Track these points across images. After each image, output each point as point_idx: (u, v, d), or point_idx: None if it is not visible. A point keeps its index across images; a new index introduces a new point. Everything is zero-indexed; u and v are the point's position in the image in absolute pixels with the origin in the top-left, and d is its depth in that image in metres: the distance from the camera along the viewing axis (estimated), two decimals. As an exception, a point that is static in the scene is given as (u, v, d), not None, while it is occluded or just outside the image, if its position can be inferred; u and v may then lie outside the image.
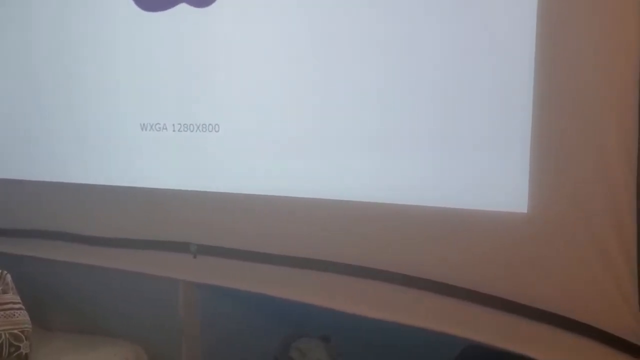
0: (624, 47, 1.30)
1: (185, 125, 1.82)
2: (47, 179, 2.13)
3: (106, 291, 2.09)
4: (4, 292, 1.84)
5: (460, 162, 1.50)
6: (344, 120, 1.62)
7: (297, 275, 1.74)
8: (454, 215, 1.51)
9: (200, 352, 2.03)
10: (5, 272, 1.87)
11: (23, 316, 1.82)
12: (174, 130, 1.84)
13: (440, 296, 1.55)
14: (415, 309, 1.59)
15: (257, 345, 2.31)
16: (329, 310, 1.69)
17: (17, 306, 1.83)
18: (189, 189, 1.86)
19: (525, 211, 1.42)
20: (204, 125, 1.80)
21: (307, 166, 1.70)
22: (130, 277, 1.97)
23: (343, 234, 1.68)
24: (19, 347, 1.77)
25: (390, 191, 1.59)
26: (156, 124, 1.86)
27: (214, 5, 1.74)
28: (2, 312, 1.80)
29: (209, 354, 2.05)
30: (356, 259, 1.66)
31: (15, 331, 1.78)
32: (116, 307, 2.08)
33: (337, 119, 1.63)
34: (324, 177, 1.68)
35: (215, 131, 1.78)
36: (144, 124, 1.88)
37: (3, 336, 1.75)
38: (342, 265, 1.68)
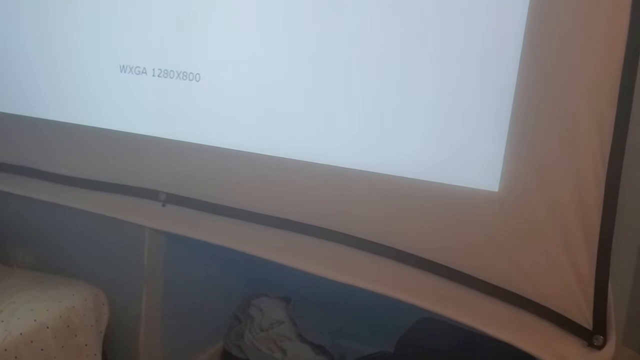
0: (609, 42, 1.31)
1: (165, 72, 1.78)
2: (18, 112, 2.07)
3: (71, 232, 2.06)
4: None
5: (438, 135, 1.51)
6: (326, 81, 1.61)
7: (264, 232, 1.74)
8: (424, 187, 1.53)
9: (160, 301, 2.03)
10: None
11: (-17, 248, 1.79)
12: (153, 75, 1.80)
13: (402, 265, 1.58)
14: (377, 275, 1.62)
15: (217, 300, 2.33)
16: (291, 272, 1.70)
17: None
18: (164, 136, 1.84)
19: (497, 190, 1.45)
20: (184, 74, 1.76)
21: (283, 126, 1.69)
22: (97, 219, 1.95)
23: (312, 196, 1.69)
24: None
25: (365, 158, 1.59)
26: (136, 67, 1.82)
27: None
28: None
29: (169, 304, 2.06)
30: (324, 221, 1.67)
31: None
32: (80, 249, 2.06)
33: (320, 79, 1.61)
34: (299, 138, 1.68)
35: (196, 80, 1.75)
36: (123, 66, 1.83)
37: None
38: (309, 227, 1.69)
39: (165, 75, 1.78)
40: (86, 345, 1.85)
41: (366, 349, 2.18)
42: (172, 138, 1.83)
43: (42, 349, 1.69)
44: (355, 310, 2.16)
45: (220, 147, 1.77)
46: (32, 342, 1.67)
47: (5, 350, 1.59)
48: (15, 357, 1.61)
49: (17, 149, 2.10)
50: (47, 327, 1.72)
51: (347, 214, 1.65)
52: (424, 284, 1.56)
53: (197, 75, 1.74)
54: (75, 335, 1.82)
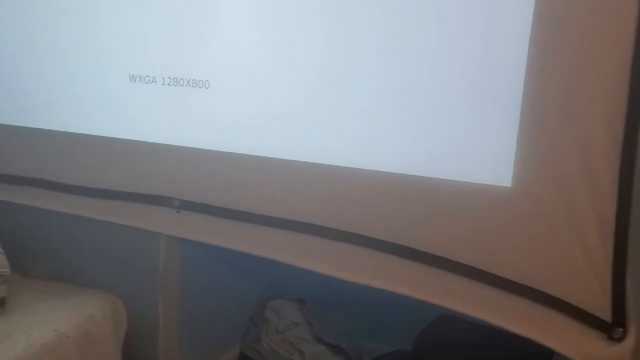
0: (618, 41, 1.31)
1: (175, 80, 1.79)
2: (30, 124, 2.09)
3: (87, 242, 2.08)
4: (-17, 235, 1.82)
5: (448, 131, 1.51)
6: (335, 85, 1.61)
7: (279, 236, 1.75)
8: (436, 184, 1.53)
9: (177, 307, 2.05)
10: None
11: (2, 260, 1.81)
12: (163, 84, 1.81)
13: (416, 263, 1.58)
14: (390, 274, 1.62)
15: (233, 304, 2.34)
16: (305, 273, 1.71)
17: (-4, 250, 1.82)
18: (176, 144, 1.85)
19: (510, 186, 1.45)
20: (194, 81, 1.77)
21: (294, 129, 1.69)
22: (112, 228, 1.97)
23: (325, 198, 1.69)
24: (-4, 290, 1.77)
25: (378, 157, 1.59)
26: (145, 76, 1.83)
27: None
28: (-20, 256, 1.79)
29: (186, 309, 2.07)
30: (337, 223, 1.67)
31: (-7, 274, 1.77)
32: (96, 258, 2.07)
33: (328, 83, 1.62)
34: (309, 141, 1.68)
35: (205, 88, 1.76)
36: (133, 75, 1.85)
37: (-20, 279, 1.74)
38: (323, 229, 1.69)
39: (175, 84, 1.79)
40: (106, 352, 1.87)
41: (383, 348, 2.18)
42: (184, 145, 1.84)
43: (63, 359, 1.71)
44: (371, 310, 2.16)
45: (231, 153, 1.78)
46: (53, 351, 1.69)
47: (28, 361, 1.61)
48: (38, 368, 1.63)
49: (32, 160, 2.11)
50: (68, 337, 1.74)
51: (359, 214, 1.65)
52: (440, 282, 1.56)
53: (207, 83, 1.75)
54: (95, 344, 1.83)
